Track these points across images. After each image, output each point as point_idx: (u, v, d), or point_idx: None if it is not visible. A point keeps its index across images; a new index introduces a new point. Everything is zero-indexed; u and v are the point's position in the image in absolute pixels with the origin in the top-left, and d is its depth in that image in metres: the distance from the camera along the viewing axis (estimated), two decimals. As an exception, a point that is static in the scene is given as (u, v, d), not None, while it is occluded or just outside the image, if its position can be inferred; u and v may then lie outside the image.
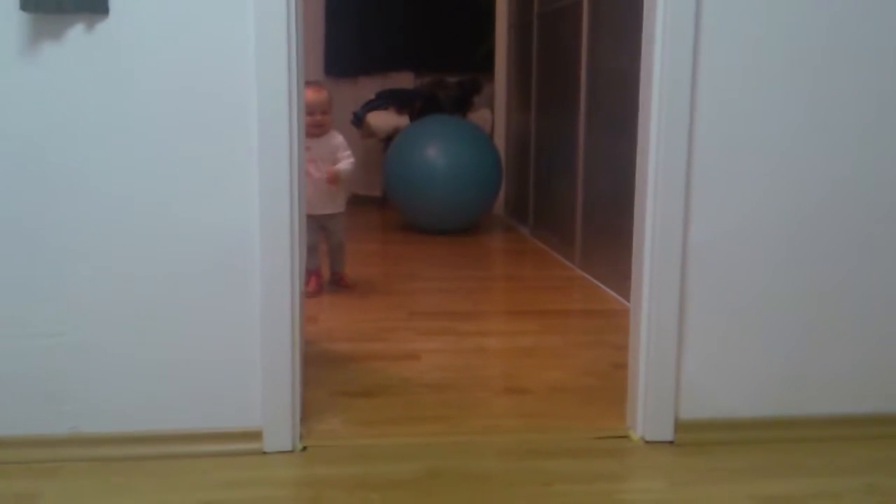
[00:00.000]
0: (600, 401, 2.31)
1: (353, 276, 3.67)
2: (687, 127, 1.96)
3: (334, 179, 3.42)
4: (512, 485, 1.86)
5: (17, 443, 1.91)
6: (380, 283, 3.76)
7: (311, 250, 3.37)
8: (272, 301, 1.93)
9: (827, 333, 2.09)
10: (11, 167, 1.84)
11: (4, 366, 1.90)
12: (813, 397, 2.11)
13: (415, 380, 2.49)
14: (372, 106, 5.80)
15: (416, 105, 5.66)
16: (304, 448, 2.00)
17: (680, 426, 2.07)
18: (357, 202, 4.85)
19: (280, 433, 1.97)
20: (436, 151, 4.70)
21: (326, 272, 3.61)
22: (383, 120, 5.68)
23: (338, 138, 3.49)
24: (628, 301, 2.22)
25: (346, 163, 3.45)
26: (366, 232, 5.01)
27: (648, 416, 2.07)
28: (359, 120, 5.74)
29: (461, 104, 5.75)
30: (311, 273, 3.40)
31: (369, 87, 6.09)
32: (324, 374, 2.49)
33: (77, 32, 1.81)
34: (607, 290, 3.61)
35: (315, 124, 3.37)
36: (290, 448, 1.98)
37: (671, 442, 2.06)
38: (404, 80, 6.20)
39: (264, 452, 1.97)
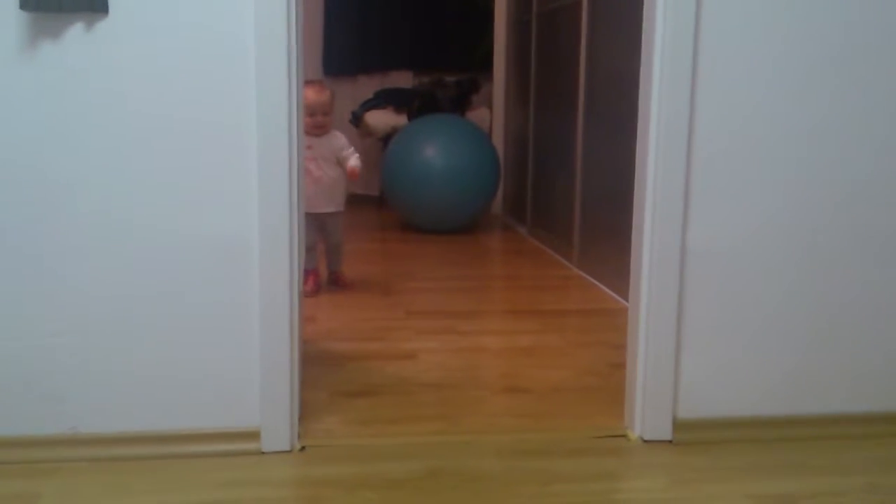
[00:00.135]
0: (599, 400, 2.31)
1: (351, 275, 3.67)
2: (686, 127, 1.96)
3: (357, 175, 3.46)
4: (510, 484, 1.86)
5: (16, 443, 1.91)
6: (378, 283, 3.76)
7: (310, 250, 3.37)
8: (271, 301, 1.93)
9: (826, 332, 2.09)
10: (10, 167, 1.84)
11: (4, 366, 1.90)
12: (812, 396, 2.11)
13: (413, 379, 2.49)
14: (370, 105, 5.80)
15: (414, 104, 5.65)
16: (303, 448, 2.00)
17: (678, 425, 2.07)
18: (355, 201, 4.85)
19: (278, 433, 1.97)
20: (434, 151, 4.70)
21: (324, 272, 3.61)
22: (381, 119, 5.68)
23: (340, 138, 3.50)
24: (626, 300, 2.22)
25: (354, 158, 3.47)
26: (364, 231, 5.01)
27: (647, 416, 2.07)
28: (357, 119, 5.74)
29: (459, 103, 5.75)
30: (309, 273, 3.40)
31: (368, 87, 6.09)
32: (322, 373, 2.49)
33: (76, 32, 1.81)
34: (605, 289, 3.61)
35: (316, 125, 3.37)
36: (288, 448, 1.98)
37: (670, 441, 2.06)
38: (403, 80, 6.20)
39: (262, 452, 1.97)
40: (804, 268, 2.07)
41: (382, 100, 5.83)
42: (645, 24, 2.01)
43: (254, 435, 1.97)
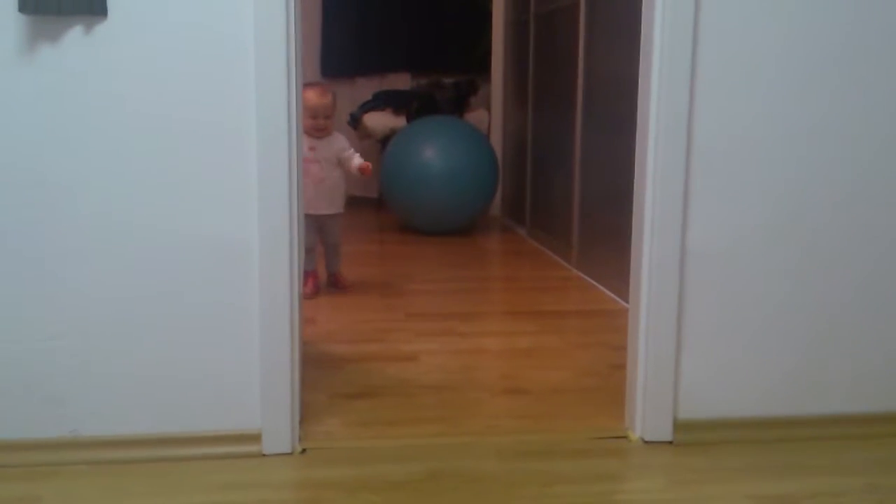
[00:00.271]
0: (599, 401, 2.31)
1: (351, 277, 3.67)
2: (686, 128, 1.96)
3: (370, 170, 3.50)
4: (511, 486, 1.86)
5: (16, 446, 1.91)
6: (377, 285, 3.76)
7: (309, 251, 3.37)
8: (271, 303, 1.93)
9: (826, 332, 2.10)
10: (10, 169, 1.83)
11: (4, 369, 1.90)
12: (812, 396, 2.11)
13: (413, 381, 2.49)
14: (369, 107, 5.79)
15: (412, 106, 5.65)
16: (304, 450, 2.00)
17: (679, 426, 2.07)
18: (354, 203, 4.84)
19: (279, 435, 1.97)
20: (432, 152, 4.70)
21: (323, 273, 3.61)
22: (380, 121, 5.68)
23: (342, 140, 3.51)
24: (626, 301, 2.23)
25: (357, 157, 3.49)
26: (363, 233, 5.01)
27: (647, 417, 2.07)
28: (355, 121, 5.74)
29: (458, 105, 5.75)
30: (308, 274, 3.40)
31: (366, 88, 6.08)
32: (322, 375, 2.49)
33: (75, 34, 1.80)
34: (604, 290, 3.61)
35: (318, 128, 3.38)
36: (289, 450, 1.98)
37: (670, 442, 2.07)
38: (401, 81, 6.20)
39: (263, 455, 1.97)
40: (804, 268, 2.07)
41: (381, 102, 5.82)
42: (644, 25, 2.01)
43: (254, 437, 1.97)
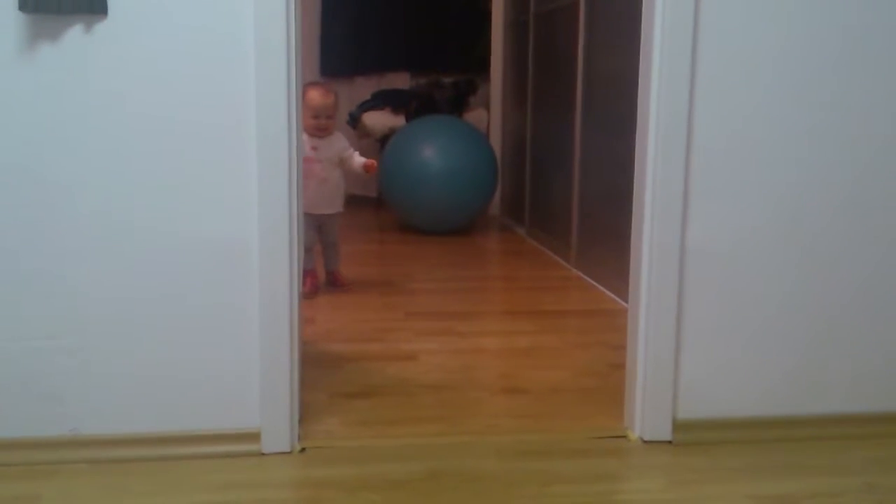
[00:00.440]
0: (598, 401, 2.31)
1: (350, 276, 3.67)
2: (685, 127, 1.96)
3: (375, 167, 3.55)
4: (511, 485, 1.86)
5: (16, 444, 1.91)
6: (376, 284, 3.76)
7: (308, 250, 3.37)
8: (271, 302, 1.93)
9: (825, 332, 2.10)
10: (9, 169, 1.83)
11: (4, 368, 1.89)
12: (811, 396, 2.11)
13: (413, 380, 2.49)
14: (368, 106, 5.79)
15: (411, 105, 5.65)
16: (303, 449, 2.00)
17: (678, 426, 2.07)
18: (353, 202, 4.84)
19: (278, 434, 1.97)
20: (432, 152, 4.70)
21: (322, 272, 3.61)
22: (379, 120, 5.68)
23: (343, 140, 3.52)
24: (625, 301, 2.23)
25: (358, 156, 3.52)
26: (362, 232, 5.01)
27: (646, 416, 2.07)
28: (354, 120, 5.74)
29: (457, 104, 5.75)
30: (307, 273, 3.40)
31: (365, 88, 6.08)
32: (322, 375, 2.49)
33: (75, 33, 1.80)
34: (604, 290, 3.62)
35: (320, 127, 3.39)
36: (288, 449, 1.98)
37: (669, 442, 2.07)
38: (400, 81, 6.19)
39: (263, 454, 1.97)
40: (803, 268, 2.07)
41: (380, 101, 5.82)
42: (643, 24, 2.01)
43: (254, 436, 1.97)
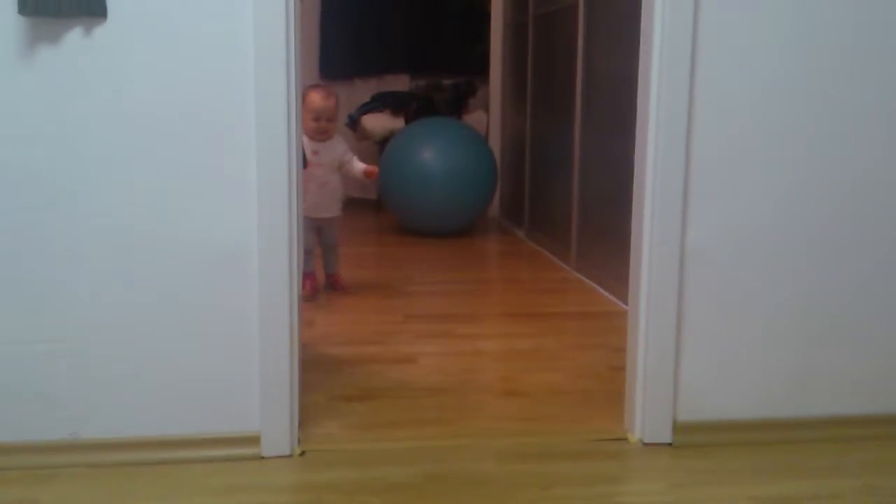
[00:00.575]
0: (598, 403, 2.31)
1: (349, 279, 3.67)
2: (685, 128, 1.96)
3: (376, 173, 3.57)
4: (511, 488, 1.86)
5: (15, 449, 1.90)
6: (376, 286, 3.76)
7: (307, 253, 3.37)
8: (270, 305, 1.93)
9: (826, 334, 2.10)
10: (9, 171, 1.83)
11: (3, 371, 1.89)
12: (812, 398, 2.11)
13: (412, 383, 2.48)
14: (367, 108, 5.79)
15: (411, 107, 5.65)
16: (303, 452, 2.00)
17: (678, 428, 2.07)
18: (352, 205, 4.85)
19: (278, 438, 1.97)
20: (431, 154, 4.70)
21: (321, 275, 3.61)
22: (378, 122, 5.68)
23: (343, 144, 3.52)
24: (624, 303, 2.23)
25: (357, 161, 3.52)
26: (361, 235, 5.01)
27: (647, 419, 2.07)
28: (354, 122, 5.74)
29: (456, 106, 5.75)
30: (306, 276, 3.40)
31: (364, 90, 6.09)
32: (321, 378, 2.49)
33: (75, 36, 1.80)
34: (603, 292, 3.61)
35: (320, 130, 3.39)
36: (288, 453, 1.98)
37: (669, 444, 2.07)
38: (399, 83, 6.20)
39: (262, 457, 1.97)
40: (803, 269, 2.07)
41: (379, 103, 5.82)
42: (643, 25, 2.01)
43: (254, 440, 1.96)
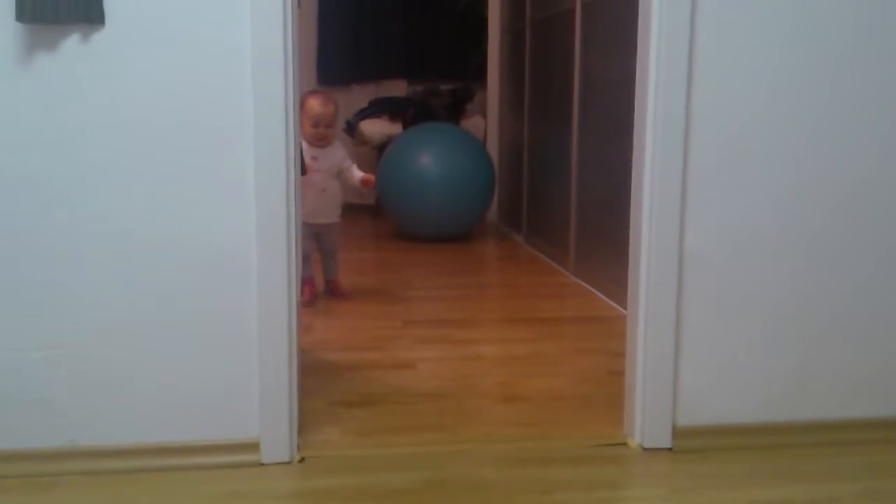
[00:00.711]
0: (598, 408, 2.31)
1: (348, 284, 3.67)
2: (682, 132, 1.97)
3: (373, 182, 3.56)
4: (511, 493, 1.85)
5: (13, 456, 1.90)
6: (374, 292, 3.76)
7: (305, 259, 3.37)
8: (269, 311, 1.93)
9: (825, 339, 2.10)
10: (7, 177, 1.83)
11: (2, 378, 1.89)
12: (811, 402, 2.11)
13: (412, 389, 2.48)
14: (365, 114, 5.80)
15: (408, 113, 5.66)
16: (302, 459, 2.00)
17: (678, 433, 2.07)
18: (350, 210, 4.84)
19: (277, 444, 1.97)
20: (429, 159, 4.71)
21: (320, 280, 3.60)
22: (376, 128, 5.68)
23: (342, 150, 3.52)
24: (623, 308, 2.23)
25: (356, 169, 3.52)
26: (359, 240, 5.01)
27: (646, 423, 2.07)
28: (351, 128, 5.74)
29: (454, 112, 5.76)
30: (304, 281, 3.39)
31: (362, 95, 6.09)
32: (320, 383, 2.49)
33: (72, 43, 1.80)
34: (602, 296, 3.61)
35: (319, 136, 3.39)
36: (287, 459, 1.97)
37: (669, 449, 2.06)
38: (397, 88, 6.21)
39: (262, 464, 1.96)
40: (802, 272, 2.07)
41: (377, 109, 5.83)
42: (640, 29, 2.01)
43: (253, 446, 1.96)
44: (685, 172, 1.99)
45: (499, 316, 3.53)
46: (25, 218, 1.85)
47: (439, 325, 3.22)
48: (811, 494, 1.86)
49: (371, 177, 3.54)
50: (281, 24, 1.85)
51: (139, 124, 1.85)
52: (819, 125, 2.02)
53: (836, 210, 2.06)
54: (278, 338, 1.94)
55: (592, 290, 3.76)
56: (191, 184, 1.88)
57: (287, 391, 1.96)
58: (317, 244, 3.54)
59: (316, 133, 3.37)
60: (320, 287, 3.60)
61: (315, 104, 3.35)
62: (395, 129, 5.58)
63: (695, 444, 2.06)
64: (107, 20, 1.80)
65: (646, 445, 2.07)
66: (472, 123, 5.78)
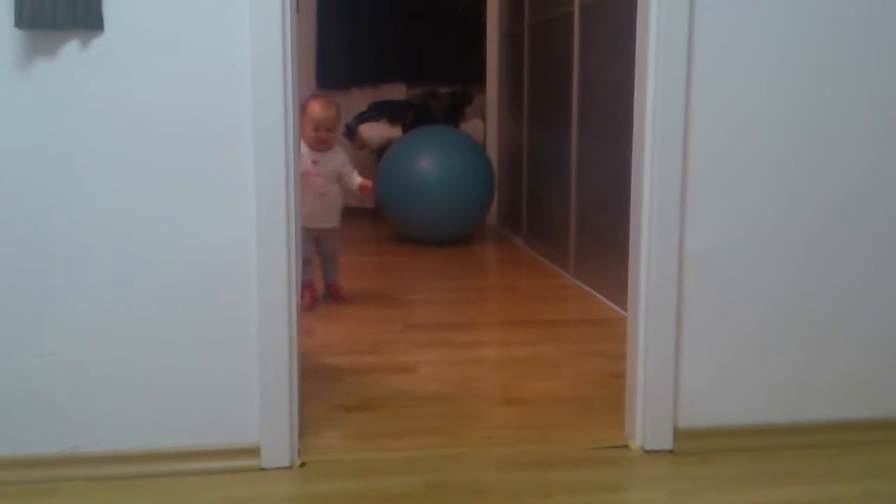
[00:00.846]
0: (599, 410, 2.31)
1: (348, 288, 3.67)
2: (681, 133, 1.97)
3: (370, 188, 3.53)
4: (512, 497, 1.85)
5: (14, 463, 1.90)
6: (374, 296, 3.75)
7: (305, 263, 3.37)
8: (269, 315, 1.93)
9: (826, 339, 2.10)
10: (6, 183, 1.83)
11: (2, 385, 1.89)
12: (812, 404, 2.11)
13: (412, 392, 2.48)
14: (364, 118, 5.80)
15: (408, 116, 5.66)
16: (303, 464, 1.99)
17: (679, 435, 2.06)
18: (350, 214, 4.84)
19: (278, 449, 1.96)
20: (428, 162, 4.71)
21: (320, 285, 3.60)
22: (375, 131, 5.68)
23: (342, 155, 3.52)
24: (624, 310, 2.22)
25: (356, 174, 3.51)
26: (359, 244, 5.01)
27: (647, 425, 2.06)
28: (351, 132, 5.75)
29: (453, 115, 5.76)
30: (304, 285, 3.39)
31: (361, 99, 6.09)
32: (321, 388, 2.48)
33: (72, 49, 1.80)
34: (602, 298, 3.61)
35: (320, 140, 3.38)
36: (288, 464, 1.97)
37: (671, 451, 2.06)
38: (396, 92, 6.21)
39: (263, 469, 1.96)
40: (802, 274, 2.07)
41: (376, 112, 5.83)
42: (638, 31, 2.01)
43: (254, 451, 1.96)
44: (685, 173, 1.99)
45: (499, 319, 3.53)
46: (24, 224, 1.85)
47: (439, 328, 3.22)
48: (813, 496, 1.86)
49: (369, 182, 3.53)
50: (280, 29, 1.85)
51: (138, 129, 1.85)
52: (819, 124, 2.02)
53: (837, 209, 2.06)
54: (278, 342, 1.94)
55: (592, 292, 3.76)
56: (190, 188, 1.88)
57: (287, 395, 1.96)
58: (317, 248, 3.54)
59: (317, 137, 3.37)
60: (320, 291, 3.60)
61: (316, 108, 3.35)
62: (395, 132, 5.58)
63: (696, 446, 2.06)
64: (105, 26, 1.80)
65: (647, 448, 2.06)
66: (471, 126, 5.78)
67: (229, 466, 1.95)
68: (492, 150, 5.66)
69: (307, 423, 2.16)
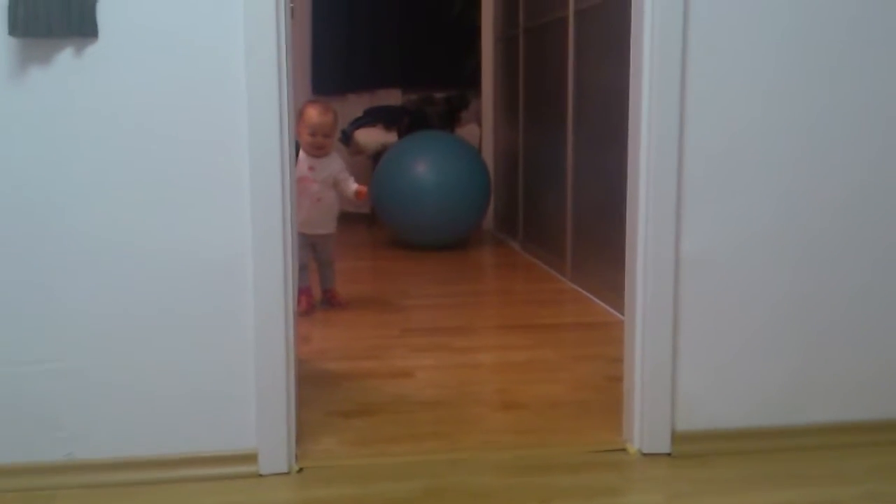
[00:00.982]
0: (596, 414, 2.31)
1: (344, 293, 3.66)
2: (677, 137, 1.97)
3: (365, 194, 3.51)
4: (510, 501, 1.85)
5: (11, 470, 1.89)
6: (371, 301, 3.75)
7: (302, 269, 3.37)
8: (266, 321, 1.92)
9: (823, 341, 2.10)
10: (1, 194, 1.83)
11: (0, 393, 1.89)
12: (810, 406, 2.11)
13: (410, 397, 2.48)
14: (360, 123, 5.80)
15: (403, 121, 5.66)
16: (301, 469, 1.99)
17: (677, 438, 2.06)
18: (346, 219, 4.84)
19: (275, 455, 1.96)
20: (424, 167, 4.71)
21: (317, 291, 3.60)
22: (371, 137, 5.68)
23: (339, 161, 3.52)
24: (621, 313, 2.22)
25: (352, 181, 3.50)
26: (355, 249, 5.01)
27: (645, 429, 2.06)
28: (347, 137, 5.74)
29: (449, 120, 5.76)
30: (301, 291, 3.39)
31: (357, 105, 6.09)
32: (318, 393, 2.48)
33: (65, 56, 1.80)
34: (599, 302, 3.61)
35: (316, 146, 3.38)
36: (286, 470, 1.97)
37: (668, 454, 2.06)
38: (392, 97, 6.21)
39: (260, 475, 1.96)
40: (799, 276, 2.07)
41: (372, 118, 5.83)
42: (633, 35, 2.02)
43: (251, 457, 1.95)
44: (680, 177, 1.99)
45: (496, 323, 3.52)
46: (21, 231, 1.84)
47: (437, 333, 3.22)
48: (811, 498, 1.86)
49: (364, 189, 3.52)
50: (275, 35, 1.85)
51: (133, 136, 1.85)
52: (816, 126, 2.02)
53: (834, 212, 2.06)
54: (275, 348, 1.94)
55: (589, 295, 3.76)
56: (186, 195, 1.88)
57: (285, 401, 1.96)
58: (313, 254, 3.53)
59: (314, 142, 3.37)
60: (317, 297, 3.59)
61: (313, 113, 3.35)
62: (391, 137, 5.58)
63: (694, 449, 2.06)
64: (100, 33, 1.80)
65: (645, 451, 2.06)
66: (467, 131, 5.78)
67: (227, 473, 1.94)
68: (488, 155, 5.66)
69: (304, 429, 2.16)
